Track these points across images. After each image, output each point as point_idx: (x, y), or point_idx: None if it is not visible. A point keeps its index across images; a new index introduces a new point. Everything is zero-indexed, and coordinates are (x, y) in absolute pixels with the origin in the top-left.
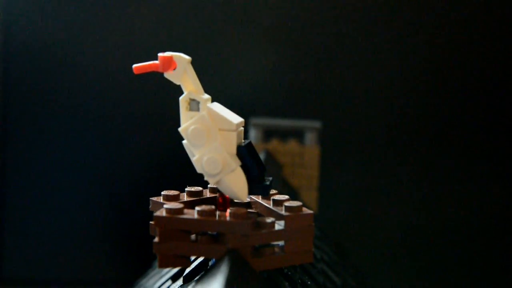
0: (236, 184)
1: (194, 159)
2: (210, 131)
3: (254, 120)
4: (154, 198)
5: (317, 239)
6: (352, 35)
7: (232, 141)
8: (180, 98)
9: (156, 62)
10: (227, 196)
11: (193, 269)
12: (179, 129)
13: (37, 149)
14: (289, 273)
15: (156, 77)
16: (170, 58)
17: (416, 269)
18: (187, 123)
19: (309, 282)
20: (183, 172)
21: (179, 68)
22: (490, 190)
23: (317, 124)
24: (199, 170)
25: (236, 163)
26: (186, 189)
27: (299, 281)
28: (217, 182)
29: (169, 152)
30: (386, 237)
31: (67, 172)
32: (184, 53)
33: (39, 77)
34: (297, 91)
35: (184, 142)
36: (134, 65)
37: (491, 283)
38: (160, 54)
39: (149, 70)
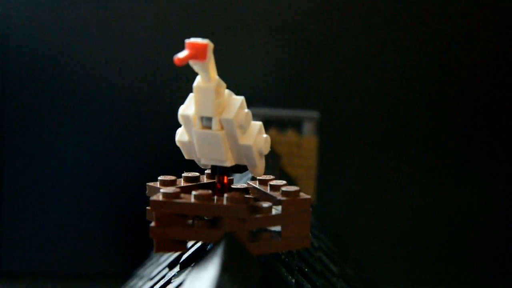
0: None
1: (251, 143)
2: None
3: (252, 110)
4: (151, 183)
5: (315, 229)
6: (351, 26)
7: None
8: (209, 86)
9: (189, 51)
10: (225, 181)
11: (189, 255)
12: (231, 117)
13: (34, 144)
14: (286, 259)
15: (151, 66)
16: (206, 46)
17: (413, 259)
18: (236, 109)
19: (306, 270)
20: (181, 158)
21: (209, 55)
22: (489, 183)
23: (315, 114)
24: (254, 152)
25: None
26: (183, 174)
27: (296, 267)
28: (260, 161)
29: (167, 139)
30: (384, 227)
31: (64, 166)
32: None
33: (36, 75)
34: (295, 81)
35: (217, 132)
36: (176, 57)
37: (488, 271)
38: (190, 41)
39: (189, 60)
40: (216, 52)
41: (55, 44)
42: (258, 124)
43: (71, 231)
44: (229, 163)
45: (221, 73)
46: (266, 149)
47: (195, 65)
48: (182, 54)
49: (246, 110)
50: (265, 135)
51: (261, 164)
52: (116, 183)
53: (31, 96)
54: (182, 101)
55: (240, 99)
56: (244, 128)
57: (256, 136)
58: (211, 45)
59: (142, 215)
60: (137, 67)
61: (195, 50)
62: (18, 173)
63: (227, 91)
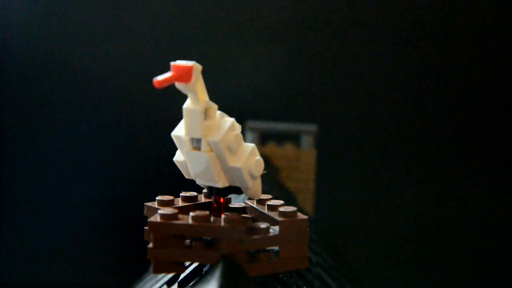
0: (261, 183)
1: (240, 165)
2: (240, 135)
3: (251, 124)
4: (149, 203)
5: (313, 243)
6: (349, 40)
7: None
8: (196, 108)
9: (172, 73)
10: (222, 201)
11: (188, 274)
12: (218, 139)
13: (34, 155)
14: (284, 278)
15: (152, 76)
16: (191, 68)
17: (413, 273)
18: (224, 131)
19: (304, 287)
20: (180, 177)
21: (195, 77)
22: (487, 194)
23: (313, 127)
24: (244, 174)
25: None
26: (181, 194)
27: (295, 286)
28: (253, 184)
29: (166, 156)
30: (382, 241)
31: (64, 178)
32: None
33: (37, 79)
34: (293, 95)
35: (206, 154)
36: (156, 79)
37: (490, 280)
38: (175, 64)
39: (170, 82)
40: (214, 65)
41: (56, 48)
42: (250, 146)
43: (70, 243)
44: (221, 184)
45: (219, 87)
46: (257, 171)
47: (181, 87)
48: (162, 76)
49: (236, 132)
50: (257, 157)
51: (254, 186)
52: (116, 194)
53: (32, 108)
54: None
55: (230, 121)
56: (232, 150)
57: (247, 158)
58: (198, 67)
59: (141, 227)
60: (140, 76)
61: (178, 72)
62: (15, 185)
63: (219, 112)
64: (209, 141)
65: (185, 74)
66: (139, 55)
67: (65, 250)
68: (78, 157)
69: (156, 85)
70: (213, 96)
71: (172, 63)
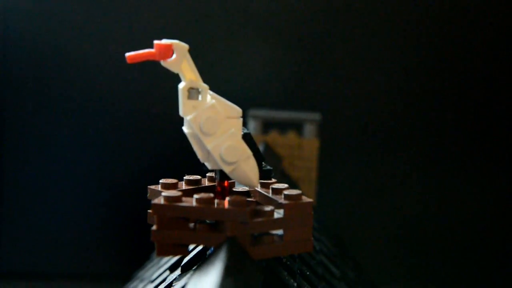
0: (251, 170)
1: (210, 148)
2: (222, 119)
3: (253, 112)
4: (152, 186)
5: (316, 231)
6: (352, 29)
7: (240, 128)
8: (180, 86)
9: (152, 50)
10: (226, 184)
11: (191, 258)
12: (189, 118)
13: (34, 144)
14: (288, 263)
15: (152, 67)
16: (169, 46)
17: (413, 261)
18: (197, 112)
19: (308, 273)
20: (182, 162)
21: (179, 56)
22: (489, 184)
23: (316, 116)
24: (216, 157)
25: (249, 150)
26: (184, 177)
27: (298, 271)
28: (232, 170)
29: (168, 142)
30: (384, 229)
31: (63, 167)
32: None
33: (36, 74)
34: (296, 83)
35: (188, 131)
36: (128, 54)
37: (488, 274)
38: (156, 42)
39: (144, 58)
40: (217, 53)
41: (55, 44)
42: (230, 131)
43: (71, 232)
44: (210, 165)
45: (221, 74)
46: (229, 157)
47: (165, 65)
48: (134, 52)
49: (208, 115)
50: (231, 143)
51: (237, 173)
52: (117, 183)
53: (32, 98)
54: None
55: (210, 103)
56: (205, 131)
57: (221, 142)
58: (181, 46)
59: (142, 216)
60: (139, 68)
61: (158, 50)
62: (17, 174)
63: (211, 93)
64: (185, 119)
65: (164, 51)
66: (138, 47)
67: (65, 240)
68: (78, 147)
69: (127, 60)
70: (217, 84)
71: (155, 42)
